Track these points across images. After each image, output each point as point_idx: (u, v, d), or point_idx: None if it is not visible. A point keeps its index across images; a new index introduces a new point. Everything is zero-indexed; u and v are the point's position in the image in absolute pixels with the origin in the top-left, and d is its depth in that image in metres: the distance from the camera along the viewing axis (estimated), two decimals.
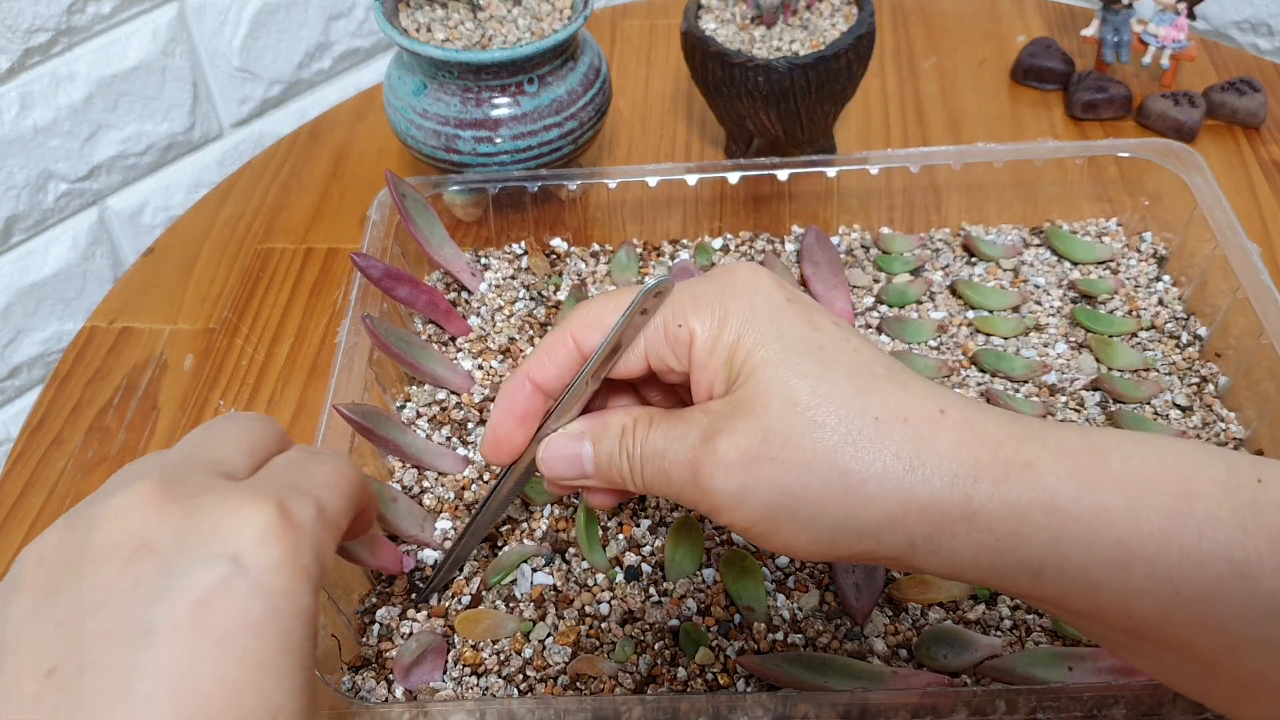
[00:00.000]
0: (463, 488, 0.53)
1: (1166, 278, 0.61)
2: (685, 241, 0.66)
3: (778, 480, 0.33)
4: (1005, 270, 0.63)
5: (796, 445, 0.33)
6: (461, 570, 0.50)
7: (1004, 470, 0.32)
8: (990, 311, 0.60)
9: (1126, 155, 0.63)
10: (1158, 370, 0.57)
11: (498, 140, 0.64)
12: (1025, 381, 0.56)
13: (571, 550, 0.50)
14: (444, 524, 0.52)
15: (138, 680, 0.29)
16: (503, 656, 0.47)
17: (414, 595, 0.49)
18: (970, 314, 0.60)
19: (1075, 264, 0.63)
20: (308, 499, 0.33)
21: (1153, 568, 0.31)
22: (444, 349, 0.61)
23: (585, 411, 0.40)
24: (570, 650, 0.46)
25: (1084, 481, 0.32)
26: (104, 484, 0.35)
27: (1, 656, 0.30)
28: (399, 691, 0.46)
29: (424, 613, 0.48)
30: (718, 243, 0.66)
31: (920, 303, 0.61)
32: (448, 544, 0.51)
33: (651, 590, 0.48)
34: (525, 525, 0.51)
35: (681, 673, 0.45)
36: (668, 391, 0.42)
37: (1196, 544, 0.31)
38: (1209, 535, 0.31)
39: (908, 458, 0.32)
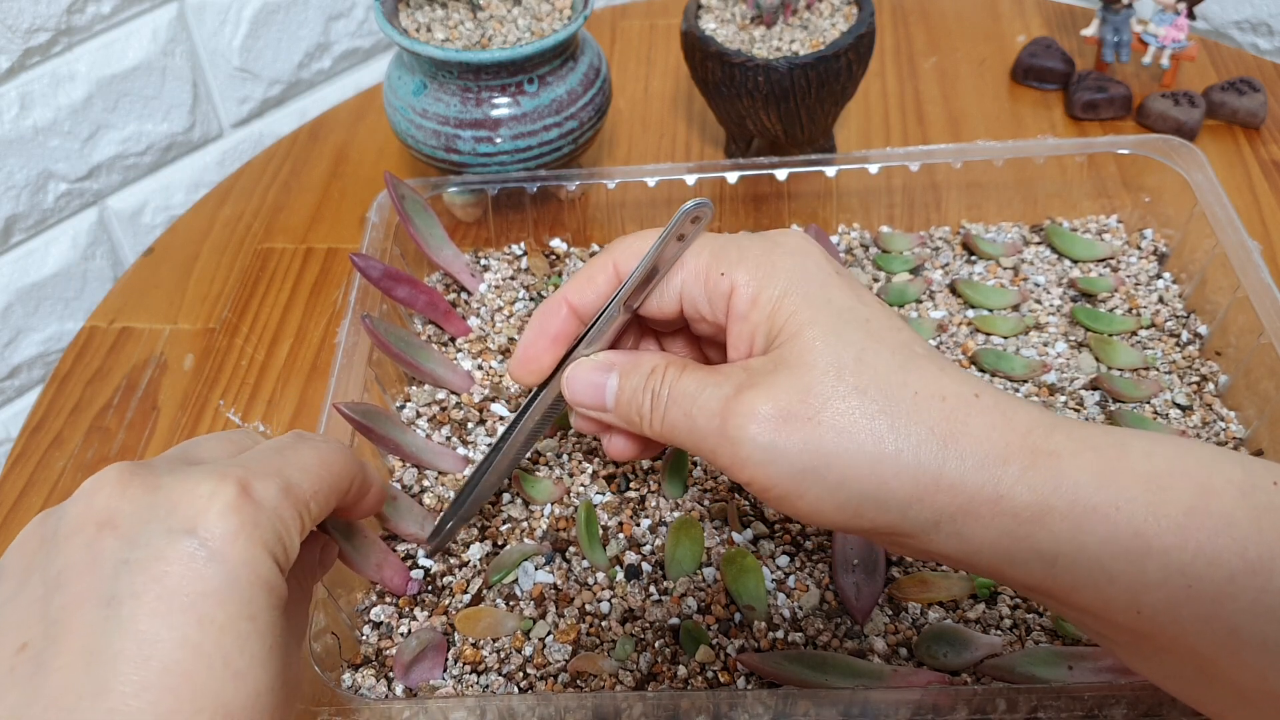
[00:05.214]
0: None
1: (1167, 275, 0.61)
2: None
3: (811, 441, 0.33)
4: (1005, 268, 0.63)
5: (836, 409, 0.33)
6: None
7: (1031, 456, 0.33)
8: (990, 310, 0.60)
9: (1126, 152, 0.63)
10: (1157, 369, 0.56)
11: (497, 140, 0.64)
12: (1025, 381, 0.56)
13: (572, 549, 0.50)
14: None
15: (101, 648, 0.30)
16: (503, 654, 0.47)
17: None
18: (970, 313, 0.60)
19: (1075, 262, 0.63)
20: (272, 479, 0.34)
21: (1167, 560, 0.31)
22: (444, 349, 0.61)
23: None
24: (571, 648, 0.46)
25: (1106, 473, 0.32)
26: None
27: None
28: (399, 689, 0.46)
29: (425, 611, 0.48)
30: None
31: (920, 302, 0.61)
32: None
33: (652, 589, 0.48)
34: (526, 524, 0.51)
35: (682, 670, 0.45)
36: (693, 346, 0.42)
37: (1212, 540, 0.31)
38: (1224, 532, 0.31)
39: (942, 434, 0.33)
